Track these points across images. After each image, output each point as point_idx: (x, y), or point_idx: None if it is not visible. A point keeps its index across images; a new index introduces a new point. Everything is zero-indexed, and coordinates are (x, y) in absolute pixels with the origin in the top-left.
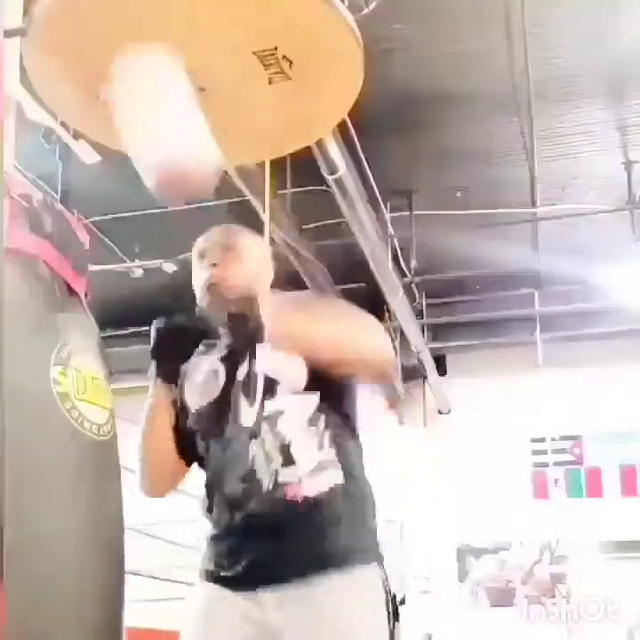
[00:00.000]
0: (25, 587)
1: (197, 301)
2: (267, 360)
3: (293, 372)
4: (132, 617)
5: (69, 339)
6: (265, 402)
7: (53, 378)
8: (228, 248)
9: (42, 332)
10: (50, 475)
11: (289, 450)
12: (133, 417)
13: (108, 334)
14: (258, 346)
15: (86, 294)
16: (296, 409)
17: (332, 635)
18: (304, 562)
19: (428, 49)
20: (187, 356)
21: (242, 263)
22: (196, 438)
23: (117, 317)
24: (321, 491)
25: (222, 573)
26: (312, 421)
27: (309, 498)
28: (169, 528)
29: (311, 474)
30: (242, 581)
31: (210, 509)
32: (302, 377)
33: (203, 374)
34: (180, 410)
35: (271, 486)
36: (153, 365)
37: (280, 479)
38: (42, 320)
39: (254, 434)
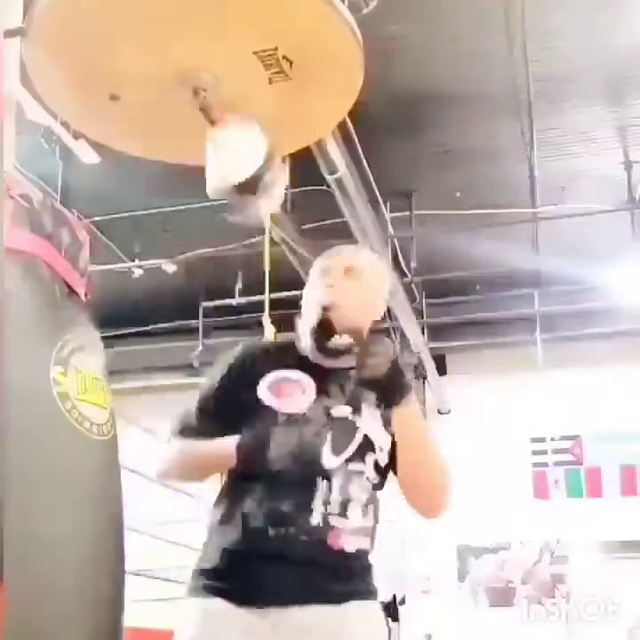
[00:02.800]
0: (25, 586)
1: (304, 319)
2: (370, 422)
3: (385, 446)
4: (133, 617)
5: (69, 338)
6: (353, 459)
7: (53, 378)
8: (349, 271)
9: (42, 331)
10: (50, 474)
11: (347, 505)
12: (133, 417)
13: (107, 334)
14: (364, 403)
15: (86, 294)
16: (370, 479)
17: None
18: (319, 593)
19: (429, 49)
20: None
21: (359, 291)
22: (248, 419)
23: (117, 317)
24: (353, 549)
25: (228, 587)
26: (371, 494)
27: (344, 550)
28: (169, 528)
29: (353, 533)
30: (251, 598)
31: (230, 516)
32: (386, 454)
33: (284, 374)
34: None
35: (320, 525)
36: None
37: (331, 522)
38: (42, 320)
39: (328, 477)
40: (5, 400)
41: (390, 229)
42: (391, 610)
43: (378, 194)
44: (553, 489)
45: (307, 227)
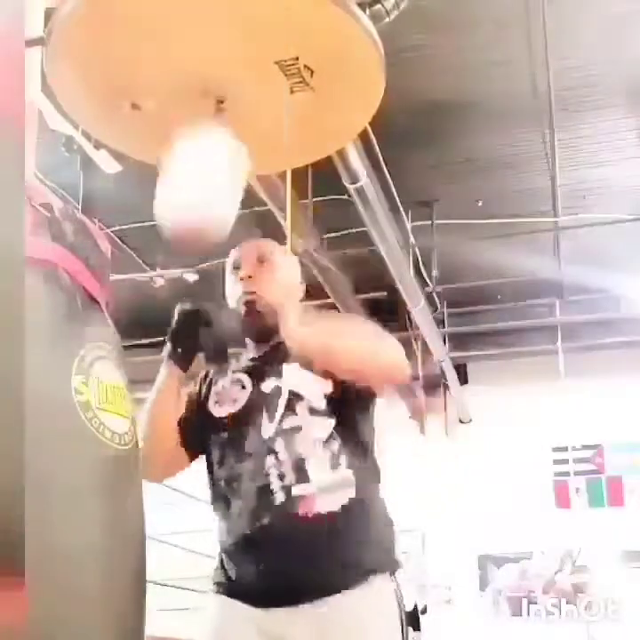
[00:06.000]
0: (47, 597)
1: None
2: (293, 377)
3: (315, 391)
4: (151, 626)
5: (90, 348)
6: (285, 418)
7: (74, 387)
8: (262, 261)
9: (63, 341)
10: (71, 484)
11: (303, 466)
12: None
13: (129, 343)
14: (285, 363)
15: (108, 303)
16: (313, 428)
17: None
18: (315, 581)
19: (450, 59)
20: (203, 346)
21: (275, 277)
22: (208, 439)
23: (138, 326)
24: (332, 509)
25: (236, 586)
26: (328, 442)
27: (321, 514)
28: (188, 537)
29: (323, 491)
30: (255, 597)
31: (226, 517)
32: (322, 397)
33: (228, 382)
34: (199, 406)
35: (284, 501)
36: (169, 347)
37: (293, 494)
38: (63, 329)
39: (271, 449)
40: (27, 410)
41: (411, 238)
42: (413, 619)
43: (399, 203)
44: (574, 498)
45: (328, 236)
